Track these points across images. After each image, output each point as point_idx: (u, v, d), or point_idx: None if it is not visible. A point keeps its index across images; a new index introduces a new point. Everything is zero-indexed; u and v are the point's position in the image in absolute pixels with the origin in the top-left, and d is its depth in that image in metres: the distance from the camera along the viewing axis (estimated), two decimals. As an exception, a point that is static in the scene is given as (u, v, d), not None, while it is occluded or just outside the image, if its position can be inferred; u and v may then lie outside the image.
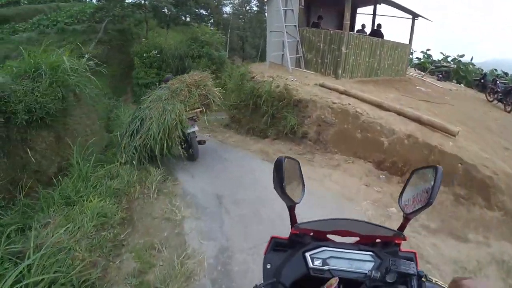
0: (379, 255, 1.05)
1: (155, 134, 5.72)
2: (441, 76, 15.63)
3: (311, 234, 1.20)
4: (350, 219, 1.18)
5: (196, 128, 6.38)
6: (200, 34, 18.11)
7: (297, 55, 10.87)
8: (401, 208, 1.18)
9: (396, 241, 1.13)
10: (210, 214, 4.74)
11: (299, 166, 1.35)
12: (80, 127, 6.63)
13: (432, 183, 1.04)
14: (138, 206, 4.94)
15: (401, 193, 1.24)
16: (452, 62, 19.25)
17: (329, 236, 1.22)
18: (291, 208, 1.22)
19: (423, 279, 0.89)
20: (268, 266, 1.10)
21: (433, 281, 0.92)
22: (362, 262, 1.04)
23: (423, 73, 15.66)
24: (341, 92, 7.79)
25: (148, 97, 6.64)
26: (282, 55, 11.27)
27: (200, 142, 6.78)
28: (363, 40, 10.42)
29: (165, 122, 5.76)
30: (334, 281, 0.94)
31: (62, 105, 5.53)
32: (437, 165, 1.07)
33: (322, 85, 8.29)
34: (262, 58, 21.63)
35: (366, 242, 1.17)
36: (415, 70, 17.64)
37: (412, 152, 5.81)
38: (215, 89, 6.82)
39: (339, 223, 1.19)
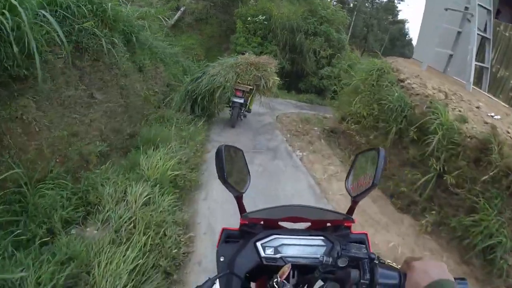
0: (330, 239, 1.00)
1: (203, 86, 6.51)
2: None
3: (262, 222, 1.11)
4: (300, 205, 1.08)
5: (241, 100, 6.67)
6: (321, 8, 14.08)
7: (480, 64, 6.06)
8: (347, 192, 1.16)
9: (345, 224, 1.08)
10: None
11: (243, 154, 1.26)
12: (56, 113, 3.25)
13: (375, 165, 1.00)
14: None
15: (347, 176, 1.20)
16: None
17: (281, 223, 1.13)
18: (238, 198, 1.14)
19: (375, 261, 0.80)
20: (222, 259, 0.99)
21: (386, 263, 0.83)
22: (314, 247, 0.99)
23: None
24: None
25: (220, 60, 7.49)
26: (450, 56, 6.51)
27: (242, 113, 7.28)
28: None
29: (214, 81, 6.48)
30: (287, 269, 0.87)
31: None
32: (379, 147, 1.02)
33: None
34: (384, 54, 16.69)
35: (317, 227, 1.12)
36: None
37: None
38: (275, 78, 7.02)
39: (289, 210, 1.12)
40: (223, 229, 1.12)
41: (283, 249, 0.98)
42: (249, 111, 7.47)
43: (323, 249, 0.97)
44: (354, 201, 1.09)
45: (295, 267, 0.92)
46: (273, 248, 0.97)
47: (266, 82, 6.71)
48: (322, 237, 1.00)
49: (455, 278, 0.70)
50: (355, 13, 19.56)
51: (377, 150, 1.02)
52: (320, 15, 13.80)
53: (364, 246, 0.85)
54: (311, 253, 0.97)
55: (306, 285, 0.97)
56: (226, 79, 6.46)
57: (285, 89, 12.71)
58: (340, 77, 13.47)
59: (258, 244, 0.98)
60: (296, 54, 13.65)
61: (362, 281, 0.74)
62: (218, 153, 1.06)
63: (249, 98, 7.04)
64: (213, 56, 14.46)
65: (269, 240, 0.99)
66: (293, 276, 0.90)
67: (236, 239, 1.08)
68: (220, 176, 1.05)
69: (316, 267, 0.86)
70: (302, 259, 0.95)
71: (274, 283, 0.83)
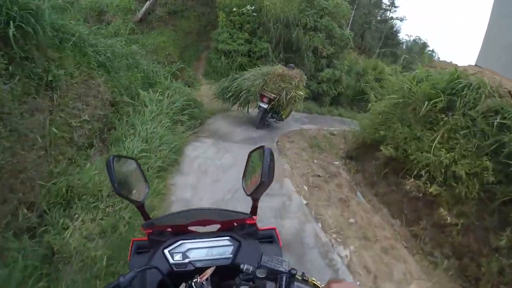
0: (236, 238, 1.03)
1: (234, 85, 6.90)
2: None
3: (169, 229, 1.11)
4: (204, 208, 1.18)
5: (265, 106, 6.76)
6: (322, -2, 11.43)
7: None
8: (244, 190, 1.16)
9: (248, 222, 1.10)
10: None
11: (137, 163, 1.21)
12: None
13: (262, 163, 1.01)
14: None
15: (243, 175, 1.22)
16: None
17: (191, 228, 1.13)
18: (139, 207, 1.11)
19: (297, 276, 0.80)
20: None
21: (310, 280, 0.80)
22: (222, 248, 1.02)
23: None
24: None
25: (258, 67, 7.76)
26: None
27: (267, 119, 7.36)
28: None
29: (243, 83, 6.84)
30: (210, 271, 0.87)
31: None
32: (264, 146, 1.06)
33: None
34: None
35: (226, 228, 1.14)
36: None
37: None
38: (299, 92, 7.00)
39: (195, 214, 1.15)
40: (133, 241, 1.10)
41: (191, 253, 0.98)
42: (281, 119, 7.47)
43: (230, 249, 1.00)
44: (253, 199, 1.09)
45: (218, 270, 0.89)
46: (181, 254, 0.98)
47: (286, 94, 6.68)
48: (228, 237, 1.02)
49: None
50: (355, 6, 16.91)
51: (263, 149, 1.03)
52: (321, 6, 11.08)
53: (287, 261, 0.82)
54: (219, 254, 0.99)
55: None
56: (253, 84, 6.75)
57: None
58: (341, 80, 11.66)
59: (166, 251, 0.98)
60: (292, 53, 11.03)
61: None
62: (108, 165, 1.01)
63: (274, 105, 6.89)
64: (189, 56, 11.75)
65: (176, 246, 0.99)
66: (206, 279, 0.86)
67: (146, 249, 1.05)
68: (113, 189, 1.00)
69: (235, 270, 0.87)
70: (212, 260, 0.96)
71: (193, 283, 0.83)
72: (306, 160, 5.50)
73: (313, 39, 10.76)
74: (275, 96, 6.64)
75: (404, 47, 30.88)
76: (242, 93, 6.76)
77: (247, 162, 1.19)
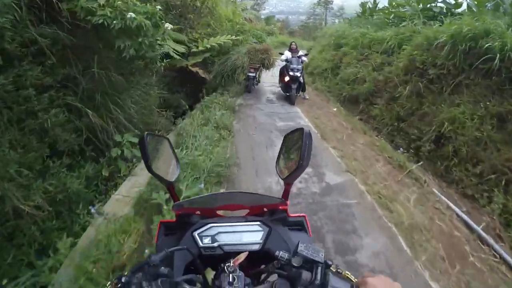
0: (266, 223, 0.96)
1: (228, 67, 8.59)
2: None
3: (198, 212, 1.04)
4: (234, 192, 1.12)
5: (253, 74, 8.80)
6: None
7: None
8: (278, 174, 1.10)
9: (281, 208, 1.03)
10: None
11: (170, 143, 1.18)
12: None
13: (301, 145, 0.92)
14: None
15: (278, 159, 1.13)
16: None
17: (219, 212, 1.08)
18: (169, 187, 1.09)
19: (331, 268, 0.73)
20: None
21: (343, 273, 0.74)
22: (252, 233, 0.94)
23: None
24: None
25: (237, 48, 9.38)
26: None
27: (255, 83, 9.39)
28: None
29: (235, 64, 8.54)
30: (243, 255, 0.82)
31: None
32: (303, 127, 0.96)
33: None
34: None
35: (255, 213, 1.07)
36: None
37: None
38: (275, 57, 9.09)
39: (225, 197, 1.14)
40: (161, 222, 1.07)
41: (221, 237, 0.92)
42: (259, 81, 9.78)
43: (260, 234, 0.93)
44: (287, 184, 1.04)
45: (252, 256, 0.86)
46: (210, 237, 0.92)
47: (268, 61, 8.87)
48: (258, 222, 0.96)
49: None
50: None
51: (301, 131, 0.95)
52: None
53: (323, 251, 0.77)
54: (249, 239, 0.92)
55: (263, 276, 0.92)
56: (243, 61, 8.51)
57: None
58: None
59: (195, 234, 0.93)
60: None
61: (310, 286, 0.71)
62: (141, 142, 0.98)
63: (258, 74, 9.34)
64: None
65: (206, 229, 0.94)
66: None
67: (174, 231, 1.03)
68: (145, 166, 0.98)
69: (271, 259, 0.82)
70: (240, 245, 0.90)
71: (226, 267, 0.78)
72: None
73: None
74: (259, 65, 8.89)
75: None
76: (238, 70, 8.54)
77: (282, 145, 1.13)
